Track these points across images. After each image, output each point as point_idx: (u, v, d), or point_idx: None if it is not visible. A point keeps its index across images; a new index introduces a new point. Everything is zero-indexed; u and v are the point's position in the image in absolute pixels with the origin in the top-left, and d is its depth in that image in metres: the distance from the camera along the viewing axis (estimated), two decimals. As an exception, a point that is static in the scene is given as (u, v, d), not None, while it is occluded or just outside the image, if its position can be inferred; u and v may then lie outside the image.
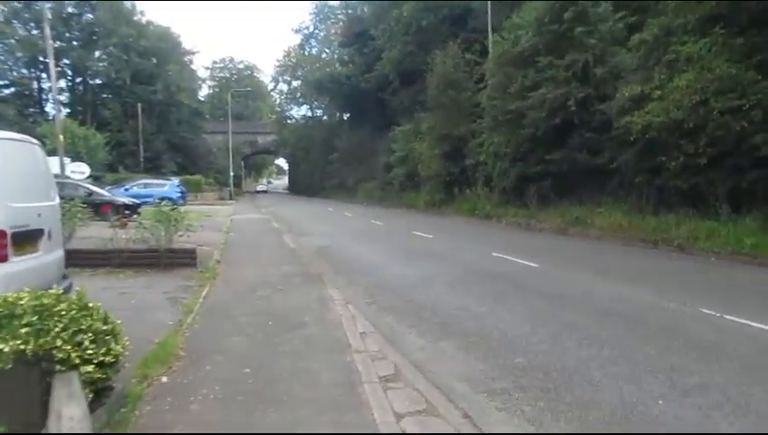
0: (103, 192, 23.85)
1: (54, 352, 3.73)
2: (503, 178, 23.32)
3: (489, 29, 26.05)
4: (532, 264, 11.53)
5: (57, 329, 3.80)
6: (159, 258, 10.84)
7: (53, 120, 53.47)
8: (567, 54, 18.74)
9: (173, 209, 10.94)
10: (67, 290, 6.29)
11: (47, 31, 29.05)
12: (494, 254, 13.10)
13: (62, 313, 3.94)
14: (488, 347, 6.25)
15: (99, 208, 11.16)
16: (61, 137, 28.26)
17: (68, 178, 25.73)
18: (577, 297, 8.58)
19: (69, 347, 3.79)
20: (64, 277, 6.61)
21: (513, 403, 4.65)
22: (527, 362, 5.69)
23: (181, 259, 11.14)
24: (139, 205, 22.72)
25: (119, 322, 4.44)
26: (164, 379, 5.09)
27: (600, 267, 11.47)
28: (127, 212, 21.22)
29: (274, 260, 13.02)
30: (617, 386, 4.91)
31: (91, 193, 22.60)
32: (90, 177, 40.11)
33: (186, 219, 11.10)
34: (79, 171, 26.82)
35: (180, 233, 11.05)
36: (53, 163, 28.37)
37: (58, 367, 3.72)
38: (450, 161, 28.21)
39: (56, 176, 26.60)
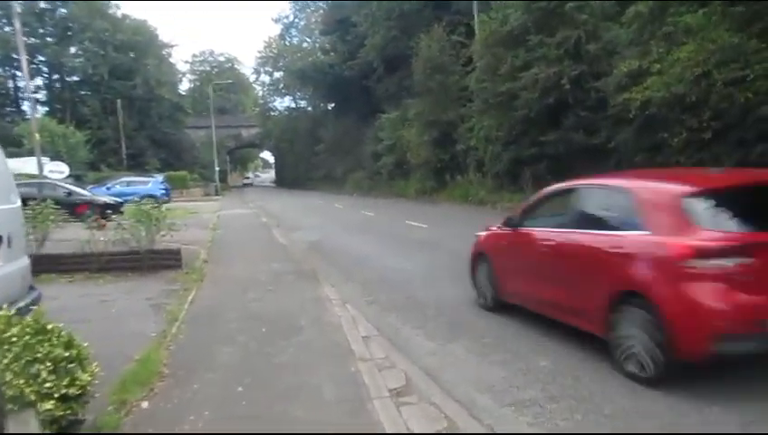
0: (83, 192, 23.03)
1: (4, 388, 3.08)
2: (495, 163, 22.76)
3: (475, 9, 25.36)
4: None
5: (6, 360, 3.16)
6: (141, 261, 10.15)
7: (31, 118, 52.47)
8: (558, 32, 18.15)
9: (154, 207, 10.22)
10: (34, 303, 5.63)
11: (17, 26, 28.01)
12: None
13: (14, 339, 3.29)
14: (505, 349, 5.68)
15: (75, 209, 10.40)
16: (37, 135, 27.20)
17: (46, 178, 24.84)
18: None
19: (22, 381, 3.15)
20: (31, 289, 5.94)
21: (547, 417, 4.08)
22: (552, 364, 5.13)
23: (165, 260, 10.46)
24: (121, 204, 21.89)
25: (85, 344, 3.78)
26: (144, 404, 4.47)
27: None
28: (109, 212, 20.46)
29: (265, 257, 12.37)
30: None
31: (70, 193, 21.84)
32: (71, 176, 39.26)
33: (168, 218, 10.38)
34: (57, 171, 25.92)
35: (163, 233, 10.36)
36: (30, 163, 27.47)
37: (10, 406, 3.07)
38: (440, 148, 27.59)
39: (34, 176, 25.81)
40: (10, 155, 32.10)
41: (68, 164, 42.64)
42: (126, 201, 28.45)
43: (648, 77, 13.87)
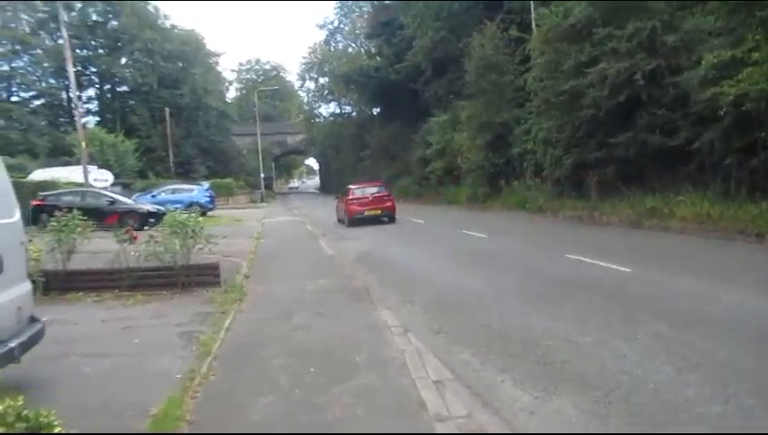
0: (126, 200, 22.45)
1: None
2: (556, 168, 21.09)
3: (532, 4, 23.80)
4: (622, 268, 9.41)
5: None
6: (176, 277, 9.13)
7: (84, 128, 53.33)
8: (629, 23, 16.49)
9: (191, 218, 9.20)
10: (34, 340, 4.56)
11: (64, 34, 28.03)
12: (568, 256, 11.01)
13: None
14: (625, 400, 4.31)
15: (105, 220, 9.47)
16: (83, 144, 27.18)
17: (91, 186, 24.51)
18: (717, 318, 6.46)
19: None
20: (33, 320, 4.87)
21: None
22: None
23: (202, 277, 9.43)
24: (164, 213, 21.26)
25: (53, 413, 2.62)
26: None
27: (715, 270, 9.11)
28: (152, 220, 19.80)
29: (311, 271, 11.23)
30: None
31: (113, 201, 21.30)
32: (119, 184, 39.45)
33: (205, 228, 9.33)
34: (102, 179, 25.56)
35: (200, 245, 9.31)
36: (77, 172, 27.31)
37: None
38: (494, 151, 26.01)
39: (79, 185, 25.56)
40: (62, 164, 32.25)
41: (117, 172, 43.15)
42: (170, 209, 28.36)
43: (742, 68, 12.14)
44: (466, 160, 28.94)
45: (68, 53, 27.71)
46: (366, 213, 22.15)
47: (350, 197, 22.98)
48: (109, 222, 9.50)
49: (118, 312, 7.80)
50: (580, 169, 19.53)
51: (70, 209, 18.69)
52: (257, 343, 6.27)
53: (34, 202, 20.48)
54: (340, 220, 24.16)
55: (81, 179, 26.28)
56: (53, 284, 8.87)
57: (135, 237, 9.20)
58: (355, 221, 22.03)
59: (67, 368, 5.52)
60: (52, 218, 9.02)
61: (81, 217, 9.16)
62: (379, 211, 22.50)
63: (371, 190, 23.58)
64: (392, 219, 22.77)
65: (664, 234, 13.72)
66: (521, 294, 8.21)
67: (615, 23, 17.05)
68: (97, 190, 22.68)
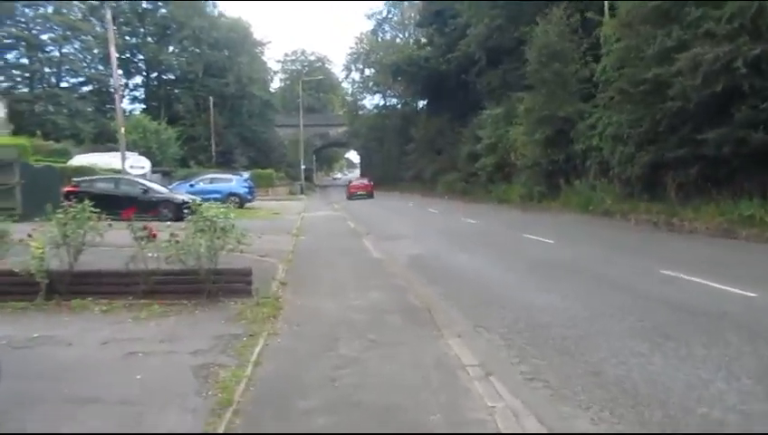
0: (161, 189, 21.37)
1: None
2: (626, 166, 18.98)
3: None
4: (742, 291, 7.51)
5: None
6: (201, 283, 7.64)
7: (129, 115, 53.30)
8: (727, 2, 14.34)
9: (219, 213, 7.68)
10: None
11: (108, 16, 27.28)
12: (664, 271, 9.11)
13: None
14: None
15: (121, 213, 8.11)
16: (122, 130, 26.29)
17: (127, 173, 23.56)
18: None
19: None
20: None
21: None
22: None
23: (231, 283, 7.91)
24: (200, 203, 20.06)
25: None
26: None
27: None
28: (186, 211, 18.54)
29: (358, 280, 9.63)
30: None
31: (147, 190, 20.19)
32: (160, 172, 38.82)
33: (237, 227, 7.80)
34: (138, 166, 24.57)
35: (230, 246, 7.80)
36: (119, 158, 26.45)
37: None
38: (553, 147, 23.91)
39: (118, 171, 24.64)
40: (107, 150, 31.57)
41: (158, 160, 42.65)
42: (208, 199, 27.24)
43: None
44: (521, 157, 26.98)
45: (110, 35, 26.95)
46: (358, 192, 44.21)
47: (351, 185, 48.03)
48: (126, 215, 7.92)
49: (125, 329, 6.33)
50: (657, 169, 17.42)
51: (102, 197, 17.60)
52: (293, 389, 4.68)
53: (67, 188, 19.48)
54: (348, 198, 43.37)
55: (118, 166, 25.45)
56: (58, 287, 7.51)
57: (154, 235, 7.74)
58: (352, 197, 43.38)
59: (39, 421, 4.05)
60: (58, 210, 7.63)
61: (92, 208, 7.71)
62: (364, 192, 44.21)
63: (362, 182, 49.00)
64: (371, 196, 43.45)
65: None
66: (627, 323, 6.40)
67: (710, 2, 14.87)
68: (132, 178, 21.59)
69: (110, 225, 7.81)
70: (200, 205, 8.04)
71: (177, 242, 7.38)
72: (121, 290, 7.70)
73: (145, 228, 7.73)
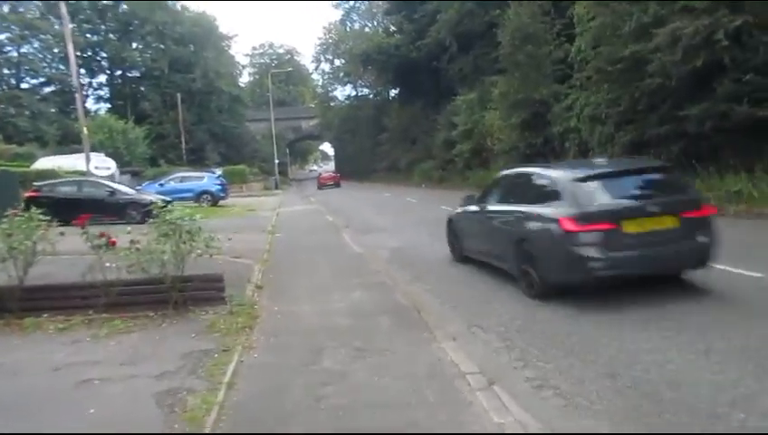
0: (128, 190, 20.41)
1: None
2: (606, 147, 18.66)
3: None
4: (754, 273, 7.08)
5: None
6: (167, 292, 6.98)
7: (94, 115, 51.66)
8: (705, -25, 14.00)
9: (183, 216, 7.01)
10: None
11: (63, 11, 25.96)
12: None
13: None
14: None
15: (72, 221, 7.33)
16: (85, 130, 25.15)
17: (92, 175, 22.53)
18: None
19: None
20: None
21: None
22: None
23: (201, 291, 7.27)
24: (169, 202, 19.22)
25: None
26: None
27: None
28: (155, 213, 17.71)
29: (340, 278, 9.05)
30: None
31: (113, 192, 19.25)
32: (129, 172, 37.63)
33: (205, 229, 7.14)
34: (103, 167, 23.57)
35: (198, 251, 7.14)
36: (82, 160, 25.38)
37: None
38: (530, 131, 23.52)
39: (82, 174, 23.59)
40: (72, 152, 30.35)
41: (127, 160, 41.43)
42: (180, 199, 26.29)
43: None
44: (498, 141, 26.63)
45: (67, 31, 25.76)
46: (327, 183, 51.46)
47: (320, 177, 54.95)
48: (80, 222, 7.17)
49: (82, 350, 5.67)
50: (639, 148, 17.09)
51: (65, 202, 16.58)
52: (272, 415, 4.10)
53: (27, 194, 18.50)
54: (318, 188, 49.59)
55: (82, 167, 24.42)
56: (8, 304, 6.80)
57: (113, 242, 7.05)
58: (322, 187, 49.65)
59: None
60: (3, 219, 6.88)
61: (41, 215, 6.97)
62: (332, 183, 51.69)
63: (330, 174, 57.56)
64: (338, 186, 50.82)
65: (762, 222, 11.33)
66: (633, 315, 5.94)
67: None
68: (96, 180, 20.62)
69: (62, 233, 7.07)
70: (164, 207, 7.34)
71: (138, 249, 6.70)
72: (80, 304, 7.01)
73: (102, 235, 7.02)
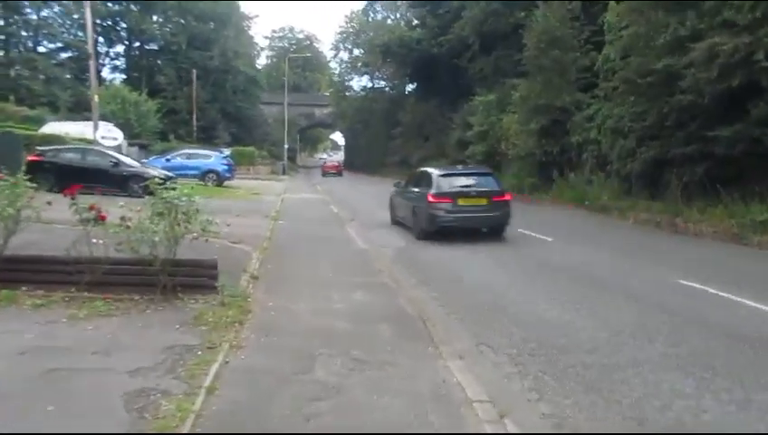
0: (133, 163, 19.96)
1: None
2: (626, 162, 18.08)
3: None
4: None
5: None
6: (156, 276, 6.50)
7: (109, 85, 51.25)
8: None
9: (181, 194, 6.52)
10: None
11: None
12: (684, 282, 8.14)
13: None
14: None
15: (64, 191, 6.82)
16: (96, 98, 24.74)
17: (98, 144, 22.08)
18: None
19: None
20: None
21: None
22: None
23: (192, 277, 6.78)
24: (171, 178, 18.77)
25: None
26: None
27: None
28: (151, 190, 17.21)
29: (341, 275, 8.56)
30: None
31: (117, 163, 18.77)
32: (138, 145, 37.19)
33: (203, 211, 6.64)
34: (110, 137, 23.07)
35: (194, 234, 6.66)
36: (91, 128, 24.98)
37: None
38: (548, 138, 22.88)
39: (90, 142, 23.16)
40: (84, 119, 29.93)
41: (137, 132, 40.94)
42: (184, 175, 25.83)
43: None
44: (513, 146, 25.94)
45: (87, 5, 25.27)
46: (330, 171, 55.13)
47: (324, 165, 58.54)
48: (69, 193, 6.67)
49: (55, 332, 5.18)
50: (660, 166, 16.53)
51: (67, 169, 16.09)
52: (255, 431, 3.60)
53: (30, 157, 18.04)
54: (322, 175, 53.99)
55: (90, 136, 24.02)
56: (-13, 274, 6.33)
57: (103, 217, 6.56)
58: (325, 175, 53.52)
59: None
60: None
61: (28, 181, 6.50)
62: (335, 171, 55.30)
63: (333, 163, 60.40)
64: (340, 174, 54.22)
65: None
66: (658, 349, 5.41)
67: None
68: (101, 149, 20.16)
69: (50, 203, 6.59)
70: (162, 183, 6.84)
71: (128, 227, 6.21)
72: (63, 279, 6.54)
73: (92, 208, 6.54)
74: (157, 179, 6.79)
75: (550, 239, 12.71)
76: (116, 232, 6.31)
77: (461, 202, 12.46)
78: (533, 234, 13.37)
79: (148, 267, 6.50)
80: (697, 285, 7.85)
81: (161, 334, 5.23)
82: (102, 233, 6.57)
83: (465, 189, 12.74)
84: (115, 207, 6.72)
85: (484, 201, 12.59)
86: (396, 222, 15.28)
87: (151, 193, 6.61)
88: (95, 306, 5.97)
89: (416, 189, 13.75)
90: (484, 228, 12.79)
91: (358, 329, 5.88)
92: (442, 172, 13.73)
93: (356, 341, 5.47)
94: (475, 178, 13.48)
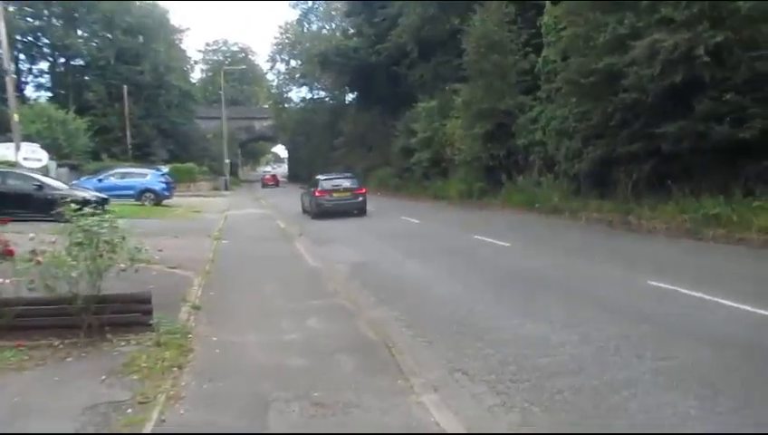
0: (59, 185, 18.57)
1: None
2: (573, 162, 18.03)
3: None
4: (760, 310, 6.29)
5: None
6: (78, 315, 5.62)
7: (34, 103, 48.38)
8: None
9: (103, 220, 5.68)
10: None
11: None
12: (653, 283, 7.82)
13: None
14: None
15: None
16: (15, 117, 23.08)
17: (20, 166, 20.47)
18: None
19: None
20: None
21: None
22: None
23: (122, 315, 5.93)
24: (105, 200, 17.50)
25: None
26: None
27: None
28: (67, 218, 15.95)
29: (292, 300, 7.83)
30: None
31: (41, 186, 17.36)
32: (67, 166, 35.11)
33: (127, 241, 5.81)
34: (34, 158, 21.45)
35: (121, 265, 5.82)
36: (9, 150, 23.24)
37: None
38: (493, 142, 22.70)
39: (6, 164, 21.48)
40: (6, 140, 27.89)
41: (66, 152, 38.71)
42: (119, 196, 24.37)
43: None
44: (458, 151, 25.73)
45: (0, 11, 23.61)
46: (269, 183, 60.75)
47: (264, 178, 66.30)
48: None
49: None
50: (608, 165, 16.52)
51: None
52: None
53: (-62, 184, 16.50)
54: (262, 186, 58.49)
55: (11, 157, 22.31)
56: None
57: (10, 252, 5.65)
58: (265, 186, 58.13)
59: None
60: None
61: None
62: (273, 183, 61.01)
63: (271, 175, 67.53)
64: (277, 185, 58.14)
65: (745, 249, 10.70)
66: (648, 364, 4.96)
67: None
68: (24, 172, 18.66)
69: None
70: (79, 208, 5.96)
71: (39, 262, 5.33)
72: (-35, 328, 5.57)
73: (-3, 243, 5.62)
74: (72, 205, 5.89)
75: (507, 245, 12.33)
76: (26, 268, 5.41)
77: (335, 195, 21.06)
78: (490, 240, 12.97)
79: (68, 306, 5.63)
80: (668, 286, 7.53)
81: (82, 390, 4.40)
82: (13, 270, 5.65)
83: (336, 187, 21.36)
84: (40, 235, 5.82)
85: (348, 194, 21.35)
86: (304, 211, 23.10)
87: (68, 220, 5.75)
88: (3, 358, 5.06)
89: (311, 189, 22.14)
90: (353, 211, 21.01)
91: (315, 364, 5.19)
92: (324, 177, 22.23)
93: (314, 379, 4.78)
94: (344, 179, 22.44)
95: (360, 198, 21.29)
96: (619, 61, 14.50)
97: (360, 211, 21.06)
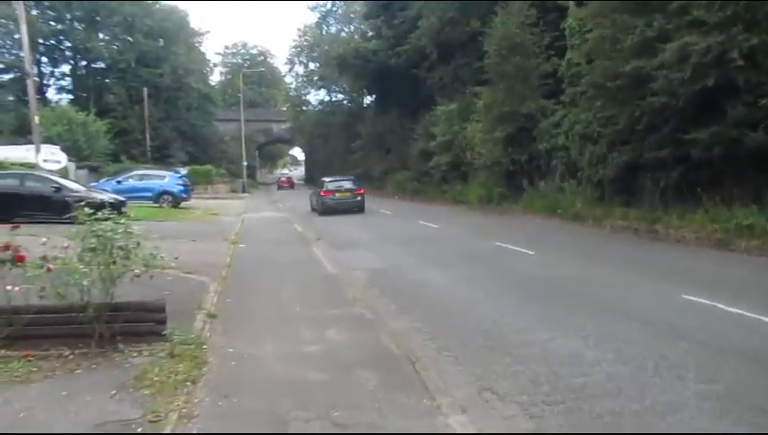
0: (77, 187, 18.55)
1: None
2: (597, 168, 17.61)
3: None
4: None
5: None
6: (89, 324, 5.41)
7: (55, 106, 48.85)
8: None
9: (117, 226, 5.47)
10: None
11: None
12: (688, 297, 7.41)
13: None
14: None
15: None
16: (36, 119, 23.21)
17: (39, 168, 20.51)
18: None
19: None
20: None
21: None
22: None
23: (135, 323, 5.71)
24: (123, 203, 17.44)
25: None
26: None
27: None
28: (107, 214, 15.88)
29: (310, 308, 7.57)
30: None
31: (59, 188, 17.34)
32: (87, 167, 35.38)
33: (142, 247, 5.59)
34: (53, 160, 21.46)
35: (136, 272, 5.60)
36: (30, 152, 23.35)
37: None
38: (514, 146, 22.32)
39: (26, 166, 21.56)
40: (28, 142, 28.13)
41: (86, 154, 39.00)
42: (137, 198, 24.37)
43: None
44: (478, 155, 25.33)
45: (21, 12, 23.88)
46: (284, 185, 64.03)
47: (279, 180, 69.97)
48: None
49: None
50: (634, 171, 16.07)
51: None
52: None
53: (-45, 186, 16.53)
54: (277, 188, 61.24)
55: (31, 159, 22.43)
56: None
57: (20, 258, 5.44)
58: (280, 188, 60.79)
59: None
60: None
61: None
62: (288, 185, 64.04)
63: (286, 178, 71.98)
64: (292, 187, 61.84)
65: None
66: (693, 387, 4.60)
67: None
68: (41, 174, 18.67)
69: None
70: (93, 212, 5.75)
71: (49, 269, 5.13)
72: (-26, 336, 5.39)
73: (7, 248, 5.42)
74: (86, 209, 5.68)
75: (531, 253, 11.95)
76: (36, 275, 5.21)
77: (338, 195, 24.65)
78: (513, 247, 12.62)
79: (80, 315, 5.41)
80: (704, 301, 7.14)
81: (91, 406, 4.17)
82: (24, 276, 5.45)
83: (339, 188, 24.99)
84: (49, 240, 5.62)
85: (349, 194, 24.90)
86: (312, 209, 26.26)
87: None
88: (10, 369, 4.85)
89: (318, 190, 25.90)
90: (353, 208, 24.25)
91: (336, 379, 4.91)
92: (329, 179, 25.82)
93: (336, 396, 4.51)
94: (345, 181, 25.93)
95: (359, 198, 24.95)
96: (646, 64, 14.07)
97: (359, 209, 24.56)
